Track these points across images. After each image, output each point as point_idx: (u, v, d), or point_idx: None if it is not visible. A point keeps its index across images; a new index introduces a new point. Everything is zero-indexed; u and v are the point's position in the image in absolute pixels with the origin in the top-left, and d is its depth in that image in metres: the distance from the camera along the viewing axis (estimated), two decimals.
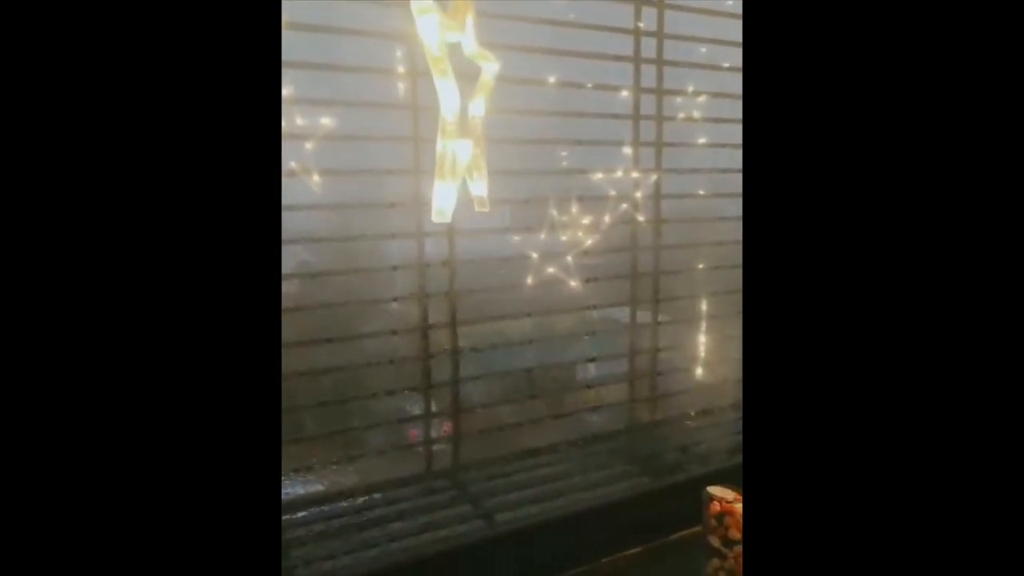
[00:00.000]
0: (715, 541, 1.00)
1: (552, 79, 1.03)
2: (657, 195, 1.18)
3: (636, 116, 1.14)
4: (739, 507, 1.01)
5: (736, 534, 0.98)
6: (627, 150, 1.15)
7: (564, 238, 1.10)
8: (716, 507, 1.02)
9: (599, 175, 1.13)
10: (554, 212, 1.10)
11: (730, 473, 1.16)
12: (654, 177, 1.19)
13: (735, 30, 1.16)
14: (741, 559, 0.97)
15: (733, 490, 1.05)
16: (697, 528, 1.01)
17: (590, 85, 1.08)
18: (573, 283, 1.12)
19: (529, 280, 1.10)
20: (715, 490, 1.05)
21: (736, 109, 1.18)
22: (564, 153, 1.08)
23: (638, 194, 1.16)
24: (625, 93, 1.14)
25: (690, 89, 1.19)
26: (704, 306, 1.28)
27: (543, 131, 1.08)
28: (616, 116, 1.14)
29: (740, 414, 1.25)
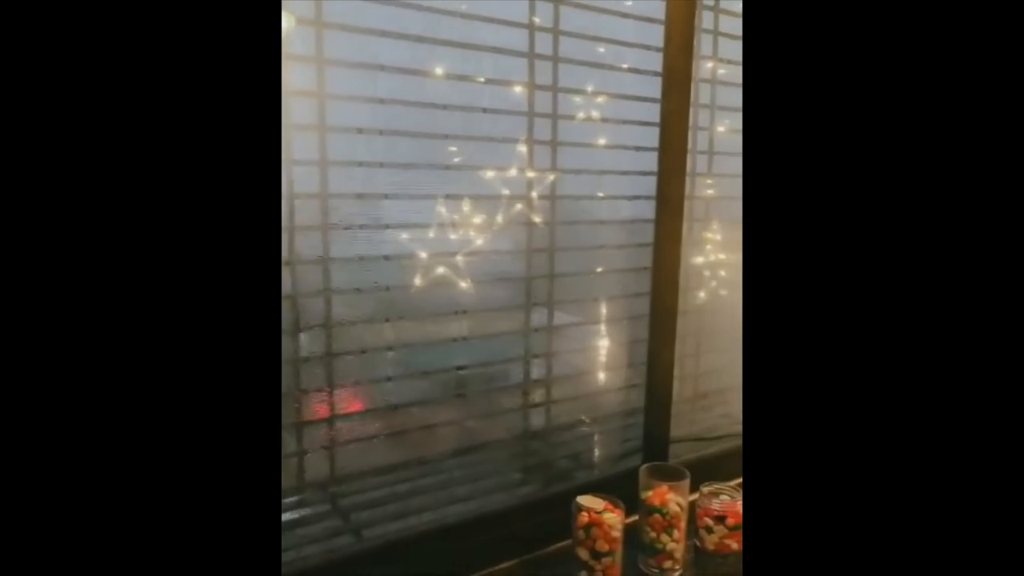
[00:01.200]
0: (583, 553, 0.96)
1: (440, 71, 0.98)
2: (553, 196, 1.14)
3: (531, 113, 1.09)
4: (609, 517, 0.96)
5: (604, 545, 0.94)
6: (522, 148, 1.10)
7: (454, 237, 1.05)
8: (584, 518, 0.97)
9: (491, 173, 1.07)
10: (442, 210, 1.03)
11: (619, 480, 1.14)
12: (551, 177, 1.13)
13: (633, 31, 1.13)
14: (610, 571, 0.95)
15: (604, 499, 1.00)
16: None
17: (482, 79, 1.02)
18: (463, 284, 1.05)
19: (417, 280, 1.03)
20: (585, 500, 0.99)
21: (634, 110, 1.15)
22: (453, 148, 1.02)
23: (533, 194, 1.11)
24: (519, 89, 1.08)
25: (589, 89, 1.14)
26: (604, 309, 1.24)
27: (432, 125, 1.01)
28: (510, 112, 1.08)
29: (636, 419, 1.24)
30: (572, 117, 1.13)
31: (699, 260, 1.33)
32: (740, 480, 1.22)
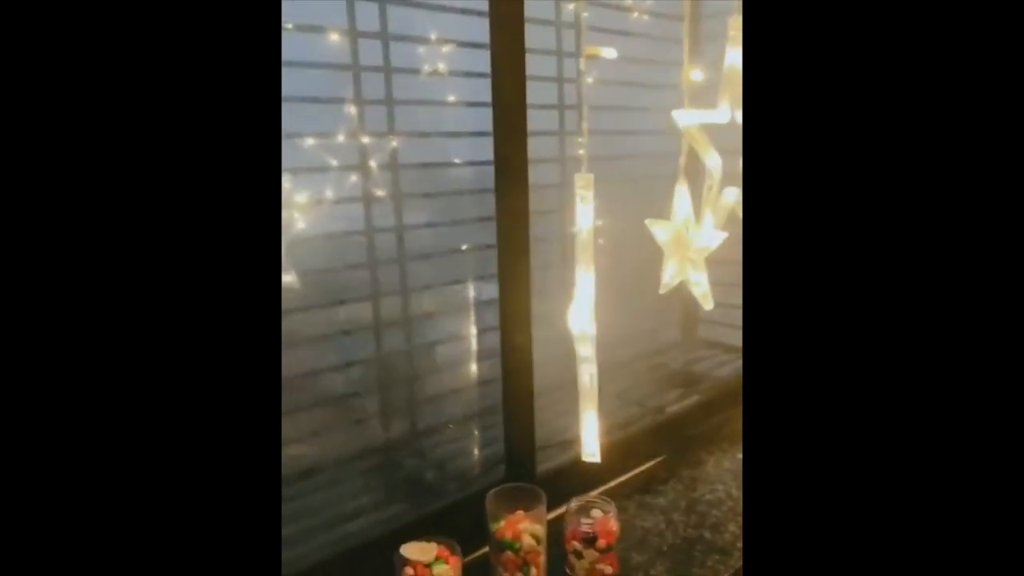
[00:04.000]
0: None
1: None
2: (394, 165, 0.95)
3: (356, 67, 0.90)
4: (441, 570, 0.78)
5: None
6: (351, 110, 0.91)
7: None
8: (409, 573, 0.78)
9: (310, 141, 0.88)
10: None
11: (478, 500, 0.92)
12: (392, 143, 0.96)
13: None
14: None
15: (438, 544, 0.81)
16: None
17: (290, 26, 0.83)
18: (288, 278, 0.85)
19: None
20: (411, 550, 0.80)
21: (486, 61, 0.94)
22: None
23: (372, 163, 0.94)
24: (336, 36, 0.89)
25: (433, 37, 0.96)
26: (471, 293, 1.06)
27: None
28: (330, 67, 0.89)
29: (495, 420, 1.07)
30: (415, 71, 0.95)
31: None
32: (622, 478, 1.16)
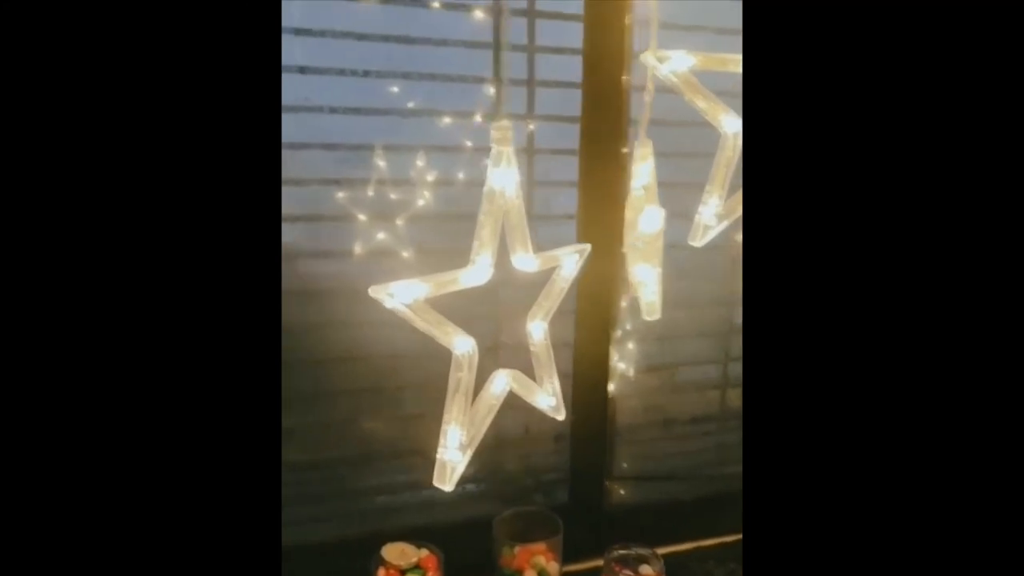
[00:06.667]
0: None
1: None
2: (531, 150, 0.90)
3: (498, 45, 0.85)
4: None
5: None
6: (490, 90, 0.86)
7: (394, 196, 0.86)
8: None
9: (447, 120, 0.86)
10: (381, 163, 0.85)
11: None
12: (531, 127, 0.90)
13: None
14: None
15: (421, 550, 0.75)
16: None
17: (436, 3, 0.81)
18: (405, 254, 0.87)
19: (357, 248, 0.85)
20: (392, 552, 0.73)
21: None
22: (395, 90, 0.83)
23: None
24: (480, 14, 0.83)
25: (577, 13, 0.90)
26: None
27: (369, 60, 0.80)
28: (470, 44, 0.85)
29: (563, 445, 0.95)
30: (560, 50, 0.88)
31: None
32: (706, 542, 0.93)
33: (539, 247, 0.74)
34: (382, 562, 0.75)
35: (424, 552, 0.76)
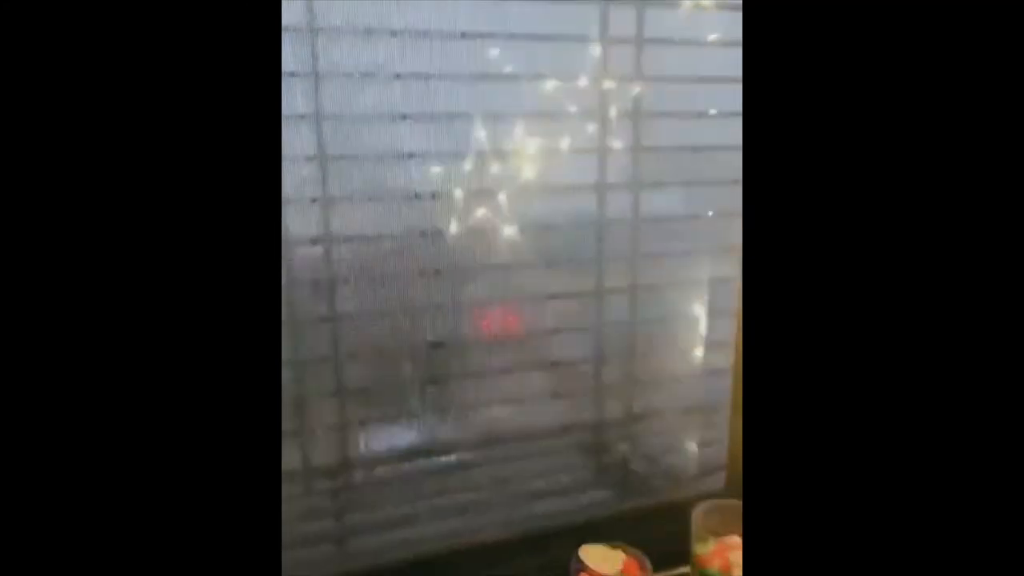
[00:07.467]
0: None
1: None
2: (637, 114, 0.82)
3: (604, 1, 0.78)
4: None
5: None
6: (595, 50, 0.78)
7: (495, 169, 0.77)
8: None
9: (550, 84, 0.78)
10: (482, 133, 0.77)
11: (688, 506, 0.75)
12: (636, 90, 0.83)
13: None
14: None
15: (625, 552, 0.67)
16: None
17: None
18: (507, 231, 0.79)
19: (453, 227, 0.78)
20: (590, 553, 0.65)
21: None
22: (496, 51, 0.75)
23: (611, 112, 0.82)
24: None
25: None
26: (707, 269, 0.87)
27: (467, 22, 0.72)
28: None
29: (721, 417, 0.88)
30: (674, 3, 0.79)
31: None
32: None
33: None
34: (583, 567, 0.67)
35: (625, 556, 0.68)
